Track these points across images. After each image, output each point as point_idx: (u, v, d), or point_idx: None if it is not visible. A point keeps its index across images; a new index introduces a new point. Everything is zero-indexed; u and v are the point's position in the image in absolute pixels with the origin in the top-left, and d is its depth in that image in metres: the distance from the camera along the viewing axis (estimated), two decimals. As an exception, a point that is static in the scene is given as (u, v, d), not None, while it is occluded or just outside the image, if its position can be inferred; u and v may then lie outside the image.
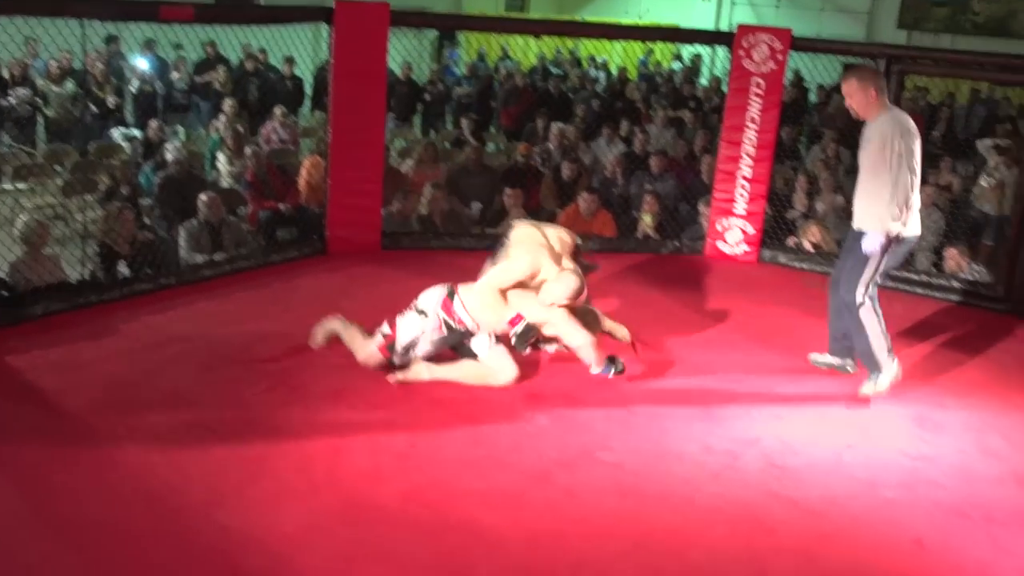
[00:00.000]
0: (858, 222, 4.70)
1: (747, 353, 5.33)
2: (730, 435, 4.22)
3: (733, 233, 7.67)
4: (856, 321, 4.72)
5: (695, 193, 8.14)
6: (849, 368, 5.00)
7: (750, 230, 7.63)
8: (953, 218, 7.49)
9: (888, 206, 4.49)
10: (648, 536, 3.32)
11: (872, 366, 4.72)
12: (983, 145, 9.25)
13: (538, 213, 8.12)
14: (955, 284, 7.02)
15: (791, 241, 7.74)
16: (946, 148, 9.38)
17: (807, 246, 7.65)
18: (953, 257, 7.20)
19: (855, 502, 3.68)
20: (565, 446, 3.99)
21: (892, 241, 4.59)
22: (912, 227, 4.63)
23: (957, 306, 6.83)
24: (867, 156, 4.63)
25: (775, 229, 7.81)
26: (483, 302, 4.43)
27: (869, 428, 4.41)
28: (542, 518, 3.39)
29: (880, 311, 4.75)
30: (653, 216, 7.95)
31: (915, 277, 7.19)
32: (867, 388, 4.73)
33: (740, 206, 7.60)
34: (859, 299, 4.69)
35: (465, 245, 7.47)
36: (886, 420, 4.53)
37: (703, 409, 4.49)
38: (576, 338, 4.43)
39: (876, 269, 4.68)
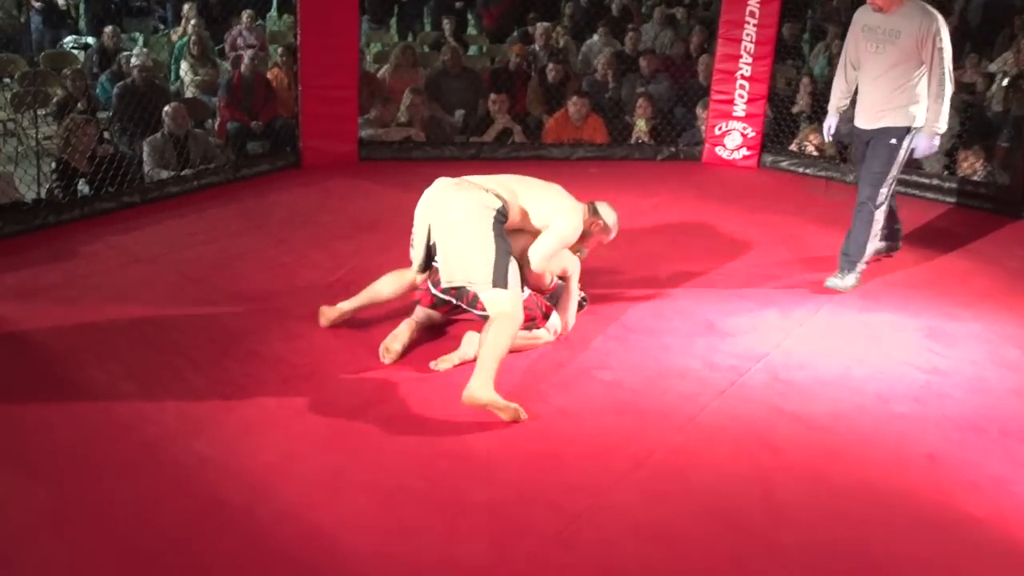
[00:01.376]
0: (889, 120, 4.73)
1: (750, 264, 5.31)
2: (734, 350, 4.21)
3: (732, 137, 7.60)
4: (867, 219, 4.87)
5: (692, 95, 8.02)
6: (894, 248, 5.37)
7: (750, 133, 7.55)
8: (968, 119, 7.39)
9: (935, 102, 4.61)
10: (649, 456, 3.31)
11: (850, 265, 4.96)
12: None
13: (525, 119, 8.00)
14: (969, 187, 6.97)
15: (793, 145, 7.66)
16: (961, 42, 9.18)
17: (810, 150, 7.57)
18: (967, 159, 7.12)
19: (864, 418, 3.68)
20: (560, 366, 3.97)
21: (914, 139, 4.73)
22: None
23: (971, 210, 6.79)
24: (899, 50, 4.63)
25: (776, 132, 7.72)
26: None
27: (879, 341, 4.40)
28: (537, 440, 3.38)
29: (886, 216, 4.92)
30: (647, 121, 7.86)
31: (926, 181, 7.13)
32: (835, 282, 4.97)
33: (739, 108, 7.51)
34: (880, 199, 4.83)
35: (448, 155, 7.37)
36: (896, 332, 4.52)
37: (705, 324, 4.48)
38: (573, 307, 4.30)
39: (899, 169, 4.82)
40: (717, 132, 7.61)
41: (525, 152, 7.62)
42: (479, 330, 3.80)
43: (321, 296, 4.41)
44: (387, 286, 4.14)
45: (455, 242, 3.76)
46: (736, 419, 3.62)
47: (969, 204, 6.91)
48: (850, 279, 4.97)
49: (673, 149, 7.81)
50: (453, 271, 3.75)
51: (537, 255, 3.97)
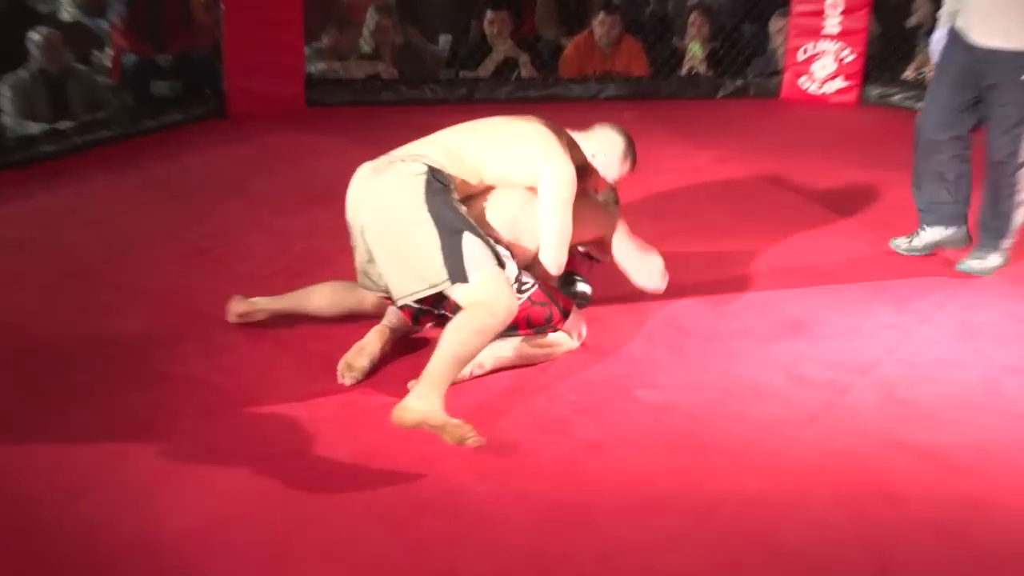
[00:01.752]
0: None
1: (849, 240, 5.30)
2: (830, 358, 4.19)
3: (822, 63, 7.60)
4: (1009, 180, 4.86)
5: (765, 6, 8.00)
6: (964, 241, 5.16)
7: (848, 57, 7.53)
8: None
9: None
10: (713, 510, 3.27)
11: (991, 242, 4.98)
12: None
13: (535, 45, 7.98)
14: None
15: (909, 72, 7.63)
16: None
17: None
18: None
19: (1021, 453, 3.63)
20: (589, 384, 3.95)
21: None
22: None
23: None
24: None
25: (885, 55, 7.70)
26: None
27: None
28: (557, 488, 3.34)
29: None
30: (703, 44, 7.84)
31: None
32: (971, 264, 4.98)
33: (832, 22, 7.49)
34: (1022, 155, 4.78)
35: (430, 96, 7.35)
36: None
37: (789, 322, 4.47)
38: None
39: None
40: (801, 56, 7.61)
41: (536, 90, 7.61)
42: None
43: (257, 294, 4.36)
44: (320, 298, 4.19)
45: (387, 245, 3.79)
46: (836, 455, 3.58)
47: None
48: (993, 259, 4.95)
49: (740, 82, 7.81)
50: (399, 285, 3.77)
51: (549, 250, 3.99)
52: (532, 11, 8.30)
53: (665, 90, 7.74)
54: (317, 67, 7.26)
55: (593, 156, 4.17)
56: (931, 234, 5.13)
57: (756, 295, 4.70)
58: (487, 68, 7.69)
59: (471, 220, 3.78)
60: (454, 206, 3.74)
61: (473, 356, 3.65)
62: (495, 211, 3.95)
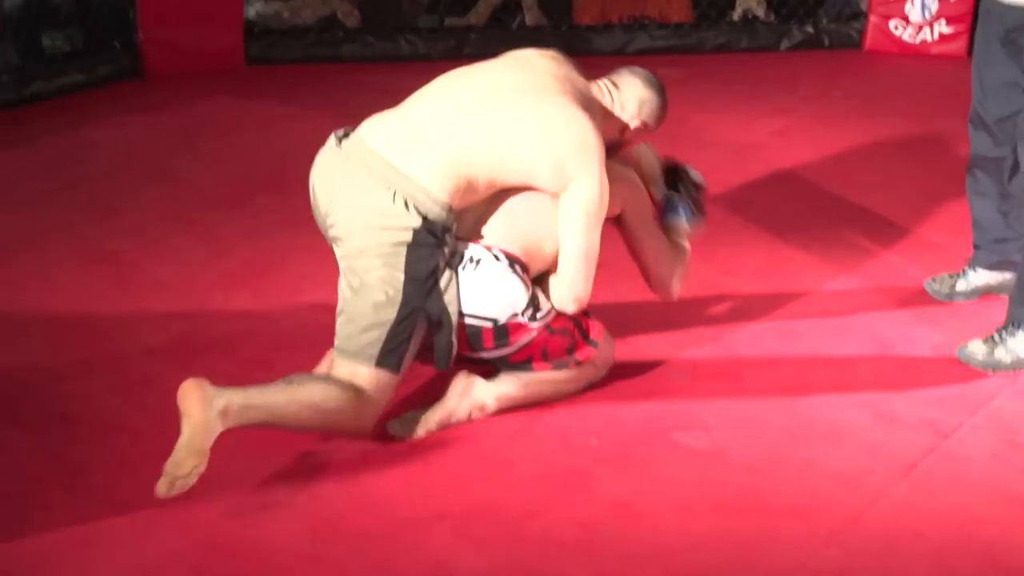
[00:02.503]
0: None
1: (953, 239, 5.28)
2: (931, 393, 4.19)
3: (921, 1, 7.57)
4: None
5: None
6: None
7: (952, -3, 7.54)
8: None
9: None
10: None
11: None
12: None
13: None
14: None
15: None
16: None
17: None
18: None
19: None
20: (617, 425, 3.95)
21: None
22: None
23: None
24: None
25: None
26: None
27: None
28: (571, 564, 3.34)
29: None
30: (762, -21, 7.86)
31: None
32: (972, 353, 4.52)
33: (932, -51, 7.51)
34: None
35: (406, 51, 7.33)
36: None
37: (876, 343, 4.48)
38: None
39: None
40: (890, -4, 7.61)
41: (545, 42, 7.56)
42: (483, 373, 3.86)
43: (185, 325, 4.36)
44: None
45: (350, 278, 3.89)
46: (943, 518, 3.58)
47: None
48: (1014, 347, 4.57)
49: (811, 29, 7.79)
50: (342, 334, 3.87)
51: (566, 280, 3.97)
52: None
53: (712, 41, 7.74)
54: (258, 12, 7.26)
55: (626, 128, 4.17)
56: (980, 277, 4.95)
57: (829, 310, 4.70)
58: (480, 13, 7.68)
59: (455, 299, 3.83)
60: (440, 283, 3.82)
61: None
62: (510, 207, 3.92)
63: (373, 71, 7.01)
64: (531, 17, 7.74)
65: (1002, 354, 4.41)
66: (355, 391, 3.69)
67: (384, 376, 3.73)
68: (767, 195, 5.49)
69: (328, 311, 4.31)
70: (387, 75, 6.97)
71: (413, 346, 3.77)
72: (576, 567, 3.33)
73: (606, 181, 3.90)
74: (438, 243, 3.77)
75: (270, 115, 6.29)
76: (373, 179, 3.80)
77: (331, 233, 3.89)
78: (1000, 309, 4.48)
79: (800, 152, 6.14)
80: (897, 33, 7.63)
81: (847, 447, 3.87)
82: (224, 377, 4.02)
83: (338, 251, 3.88)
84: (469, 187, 3.82)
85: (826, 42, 7.77)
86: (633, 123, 4.15)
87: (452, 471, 3.49)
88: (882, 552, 3.43)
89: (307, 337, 4.26)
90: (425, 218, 3.74)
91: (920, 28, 7.60)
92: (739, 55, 7.69)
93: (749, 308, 4.65)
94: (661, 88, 4.22)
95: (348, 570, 3.28)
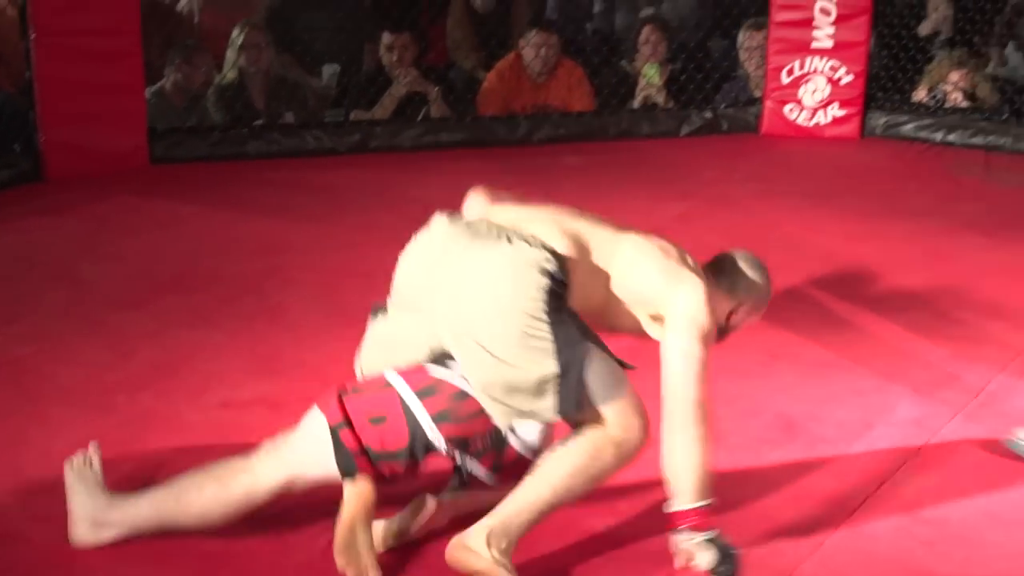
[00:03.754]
0: None
1: (858, 320, 5.31)
2: (834, 468, 4.19)
3: (814, 86, 7.67)
4: None
5: (737, 15, 8.09)
6: None
7: (845, 79, 7.61)
8: None
9: None
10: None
11: None
12: None
13: (446, 75, 7.99)
14: None
15: (921, 93, 7.75)
16: None
17: (953, 98, 7.66)
18: None
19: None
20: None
21: None
22: None
23: None
24: None
25: (893, 74, 7.80)
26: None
27: None
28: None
29: None
30: (660, 67, 7.90)
31: None
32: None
33: (823, 33, 7.58)
34: None
35: (312, 145, 7.31)
36: None
37: (781, 423, 4.50)
38: None
39: None
40: (786, 79, 7.67)
41: (449, 134, 7.63)
42: None
43: (87, 430, 4.22)
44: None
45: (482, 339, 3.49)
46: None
47: None
48: None
49: (709, 115, 7.85)
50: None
51: (693, 463, 3.55)
52: (441, 33, 8.31)
53: (614, 128, 7.79)
54: (162, 114, 7.22)
55: (733, 313, 3.84)
56: None
57: (736, 389, 4.66)
58: (386, 107, 7.68)
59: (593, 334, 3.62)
60: (575, 321, 3.55)
61: (569, 502, 3.46)
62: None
63: (280, 167, 6.98)
64: (436, 109, 7.75)
65: None
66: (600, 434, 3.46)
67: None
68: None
69: (234, 406, 4.30)
70: (294, 170, 6.97)
71: None
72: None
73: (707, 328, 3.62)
74: (562, 297, 3.55)
75: (175, 214, 6.25)
76: (502, 234, 3.60)
77: (438, 291, 3.62)
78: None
79: (703, 235, 6.13)
80: (792, 117, 7.74)
81: (756, 531, 3.82)
82: (124, 478, 3.98)
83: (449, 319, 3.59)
84: (582, 270, 3.62)
85: (724, 126, 7.86)
86: (740, 307, 3.83)
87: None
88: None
89: (210, 433, 4.20)
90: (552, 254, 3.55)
91: (814, 112, 7.69)
92: (640, 141, 7.75)
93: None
94: (766, 271, 3.92)
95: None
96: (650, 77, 7.89)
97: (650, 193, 6.75)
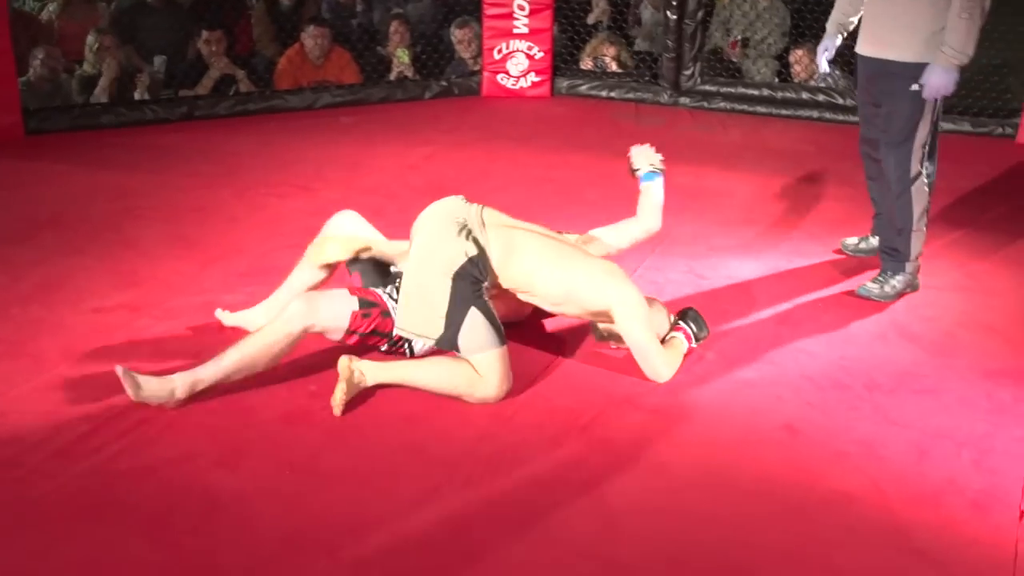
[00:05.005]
0: (907, 52, 4.33)
1: (553, 220, 5.40)
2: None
3: (516, 61, 7.79)
4: (904, 199, 4.50)
5: (460, 11, 8.14)
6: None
7: (537, 54, 7.74)
8: (800, 12, 7.77)
9: (968, 25, 4.16)
10: (438, 488, 3.30)
11: (895, 264, 4.61)
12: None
13: (250, 61, 7.87)
14: (806, 96, 7.39)
15: (585, 62, 7.95)
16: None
17: (609, 66, 7.87)
18: (801, 61, 7.54)
19: (707, 391, 3.84)
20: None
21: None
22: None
23: (812, 123, 7.22)
24: None
25: (570, 50, 7.97)
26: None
27: (715, 297, 4.61)
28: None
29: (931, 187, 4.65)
30: (407, 50, 7.91)
31: (754, 92, 7.51)
32: (872, 290, 4.63)
33: (521, 22, 7.68)
34: (915, 169, 4.47)
35: (150, 117, 7.16)
36: (735, 279, 4.75)
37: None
38: None
39: (934, 117, 4.46)
40: (497, 56, 7.77)
41: (255, 104, 7.53)
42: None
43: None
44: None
45: (414, 279, 3.73)
46: (552, 406, 3.66)
47: (809, 116, 7.33)
48: (898, 283, 4.62)
49: (444, 83, 7.91)
50: (404, 318, 3.72)
51: (662, 367, 3.89)
52: (245, 29, 8.15)
53: (377, 95, 7.78)
54: (33, 95, 6.98)
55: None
56: (876, 240, 4.92)
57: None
58: (205, 86, 7.53)
59: (488, 304, 3.72)
60: (477, 292, 3.70)
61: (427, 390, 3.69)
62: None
63: (127, 134, 6.83)
64: (243, 86, 7.63)
65: (879, 291, 4.57)
66: (470, 374, 3.69)
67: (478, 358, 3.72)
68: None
69: (103, 312, 4.23)
70: (138, 136, 6.81)
71: None
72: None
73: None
74: (477, 283, 3.72)
75: (48, 172, 6.05)
76: (464, 227, 3.76)
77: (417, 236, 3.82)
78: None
79: (443, 169, 6.24)
80: (503, 83, 7.86)
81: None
82: (22, 367, 3.86)
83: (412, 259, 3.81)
84: (507, 274, 3.82)
85: (455, 91, 7.92)
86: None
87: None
88: (521, 443, 3.51)
89: (87, 332, 4.12)
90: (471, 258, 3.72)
91: (518, 79, 7.84)
92: (396, 104, 7.75)
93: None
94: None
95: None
96: (401, 58, 7.89)
97: (405, 141, 6.79)
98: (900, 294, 4.62)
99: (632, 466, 3.35)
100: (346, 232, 4.02)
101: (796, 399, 3.78)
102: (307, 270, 4.03)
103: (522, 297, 3.88)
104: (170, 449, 3.35)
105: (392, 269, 3.94)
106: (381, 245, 3.96)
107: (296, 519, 3.03)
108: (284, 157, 6.49)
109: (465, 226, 3.75)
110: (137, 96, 7.29)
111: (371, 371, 3.69)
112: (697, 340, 4.00)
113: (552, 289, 3.82)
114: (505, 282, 3.80)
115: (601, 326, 4.04)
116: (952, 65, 4.21)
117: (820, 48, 4.97)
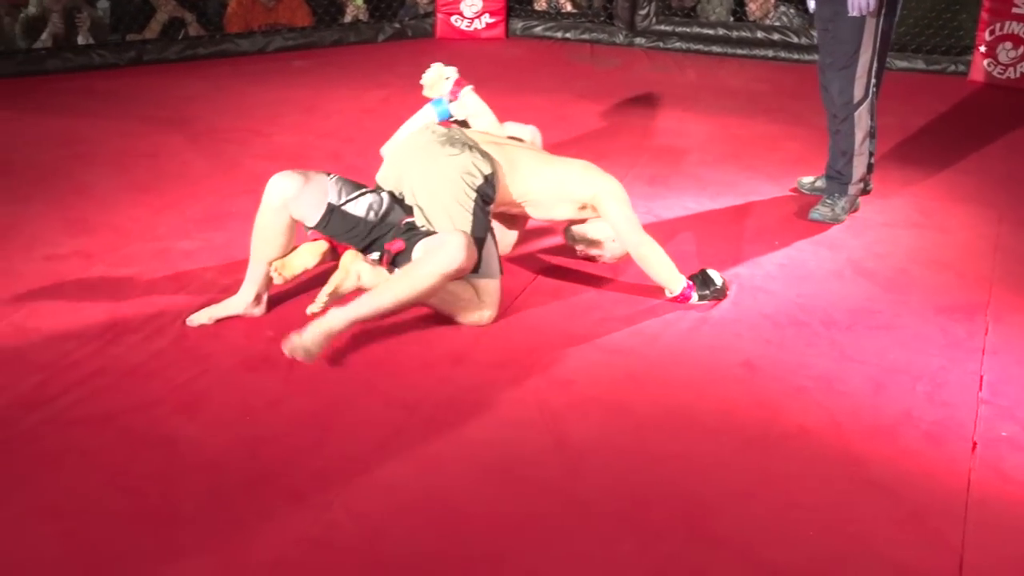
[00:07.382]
0: None
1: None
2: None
3: (471, 2, 7.74)
4: (848, 123, 4.66)
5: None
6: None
7: (491, -6, 7.73)
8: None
9: None
10: (414, 410, 3.32)
11: (839, 186, 4.79)
12: None
13: (199, 2, 7.78)
14: (761, 35, 7.39)
15: (541, 3, 7.91)
16: None
17: (565, 6, 7.83)
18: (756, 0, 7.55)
19: (668, 332, 3.86)
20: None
21: None
22: None
23: (766, 62, 7.23)
24: None
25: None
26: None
27: (679, 242, 4.62)
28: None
29: (875, 112, 4.80)
30: (362, -8, 7.87)
31: (710, 32, 7.51)
32: (825, 213, 4.81)
33: (473, -38, 7.67)
34: (858, 94, 4.62)
35: (98, 61, 7.05)
36: (695, 221, 4.76)
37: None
38: None
39: (875, 43, 4.56)
40: (450, -4, 7.75)
41: (204, 48, 7.44)
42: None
43: None
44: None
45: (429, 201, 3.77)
46: (512, 346, 3.69)
47: (764, 55, 7.33)
48: (843, 206, 4.81)
49: (398, 25, 7.85)
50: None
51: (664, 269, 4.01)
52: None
53: (329, 38, 7.70)
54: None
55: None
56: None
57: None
58: (152, 29, 7.43)
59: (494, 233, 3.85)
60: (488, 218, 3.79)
61: (405, 301, 3.58)
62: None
63: (75, 79, 6.72)
64: (192, 29, 7.52)
65: (829, 214, 4.77)
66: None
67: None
68: (376, 143, 5.53)
69: (55, 259, 4.18)
70: (86, 80, 6.71)
71: None
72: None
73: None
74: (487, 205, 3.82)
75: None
76: (464, 147, 3.82)
77: (406, 176, 3.86)
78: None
79: (399, 111, 6.08)
80: (457, 24, 7.81)
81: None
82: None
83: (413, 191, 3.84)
84: (510, 181, 3.91)
85: (409, 34, 7.86)
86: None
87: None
88: (480, 383, 3.52)
89: (39, 280, 4.07)
90: (487, 177, 3.79)
91: (472, 20, 7.79)
92: (349, 47, 7.68)
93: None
94: None
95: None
96: (355, 0, 7.85)
97: (360, 84, 6.75)
98: (848, 214, 4.82)
99: (593, 406, 3.39)
100: (304, 248, 3.83)
101: (754, 336, 3.83)
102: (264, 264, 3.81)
103: (515, 211, 4.02)
104: (127, 397, 3.34)
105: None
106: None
107: (260, 464, 3.04)
108: (237, 102, 6.42)
109: (465, 143, 3.82)
110: (81, 40, 7.17)
111: (369, 275, 3.65)
112: (701, 298, 4.03)
113: (549, 189, 3.97)
114: (515, 195, 3.91)
115: (575, 228, 4.15)
116: None
117: None
